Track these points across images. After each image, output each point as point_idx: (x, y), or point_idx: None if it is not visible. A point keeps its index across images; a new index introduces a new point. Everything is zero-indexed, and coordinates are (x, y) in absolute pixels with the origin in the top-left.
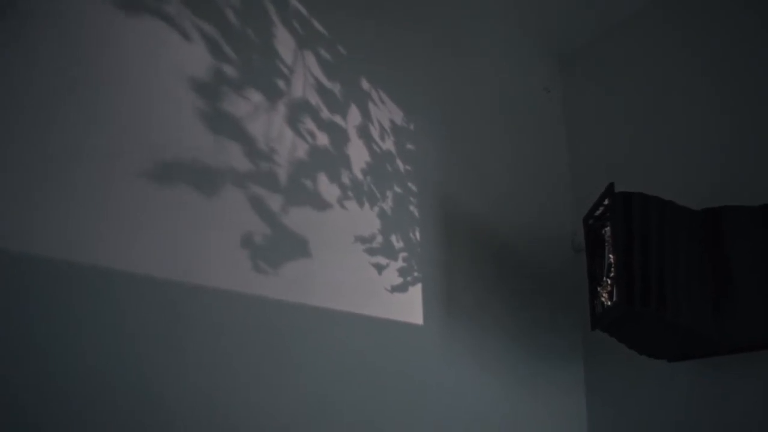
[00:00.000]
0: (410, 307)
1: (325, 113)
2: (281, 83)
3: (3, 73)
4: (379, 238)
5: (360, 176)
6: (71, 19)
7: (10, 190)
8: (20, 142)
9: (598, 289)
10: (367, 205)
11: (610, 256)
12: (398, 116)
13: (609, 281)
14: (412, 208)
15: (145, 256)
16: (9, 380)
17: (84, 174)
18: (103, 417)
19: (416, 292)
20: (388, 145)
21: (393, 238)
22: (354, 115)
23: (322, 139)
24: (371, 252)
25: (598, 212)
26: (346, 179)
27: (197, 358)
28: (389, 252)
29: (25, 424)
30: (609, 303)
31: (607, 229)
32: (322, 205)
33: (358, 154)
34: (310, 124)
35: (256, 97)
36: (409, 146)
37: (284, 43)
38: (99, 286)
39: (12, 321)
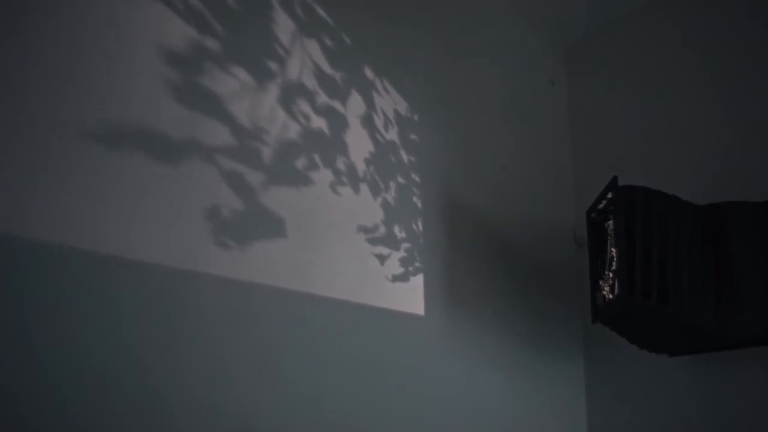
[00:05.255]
0: (412, 297)
1: (323, 98)
2: (274, 65)
3: None
4: (382, 228)
5: (362, 165)
6: None
7: None
8: None
9: (600, 282)
10: (369, 195)
11: (612, 249)
12: (402, 107)
13: (611, 275)
14: (415, 198)
15: (134, 241)
16: None
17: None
18: (91, 406)
19: (418, 282)
20: (392, 135)
21: (395, 229)
22: (357, 104)
23: (318, 122)
24: (373, 241)
25: (601, 205)
26: (342, 165)
27: (187, 348)
28: (391, 242)
29: (18, 415)
30: (610, 296)
31: (610, 222)
32: (320, 193)
33: (361, 144)
34: (305, 107)
35: (244, 75)
36: (413, 137)
37: (283, 27)
38: (76, 267)
39: None
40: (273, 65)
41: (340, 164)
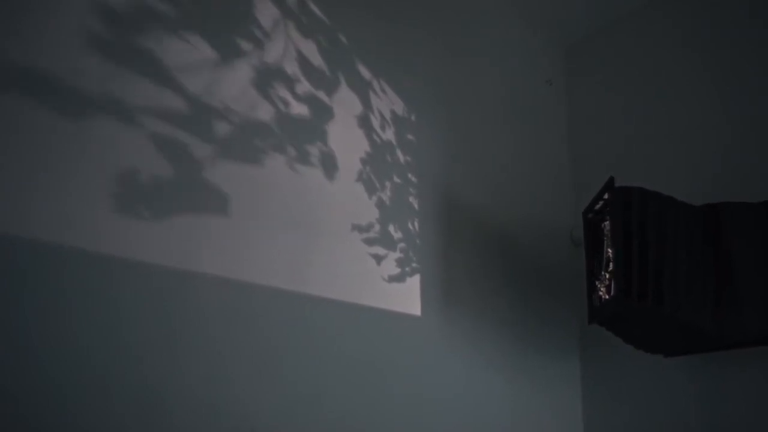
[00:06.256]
0: (409, 298)
1: (322, 98)
2: (272, 64)
3: None
4: (379, 229)
5: (359, 165)
6: None
7: None
8: None
9: (596, 283)
10: (366, 195)
11: (609, 250)
12: (400, 107)
13: (607, 275)
14: (411, 199)
15: (134, 241)
16: None
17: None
18: (90, 407)
19: (415, 283)
20: (389, 135)
21: (392, 229)
22: (353, 104)
23: (316, 122)
24: (369, 242)
25: (597, 206)
26: (339, 165)
27: (187, 348)
28: (388, 242)
29: (17, 415)
30: (607, 297)
31: (607, 223)
32: (318, 194)
33: (357, 143)
34: (302, 105)
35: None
36: (410, 137)
37: (278, 23)
38: (76, 267)
39: None
40: (271, 64)
41: (338, 164)
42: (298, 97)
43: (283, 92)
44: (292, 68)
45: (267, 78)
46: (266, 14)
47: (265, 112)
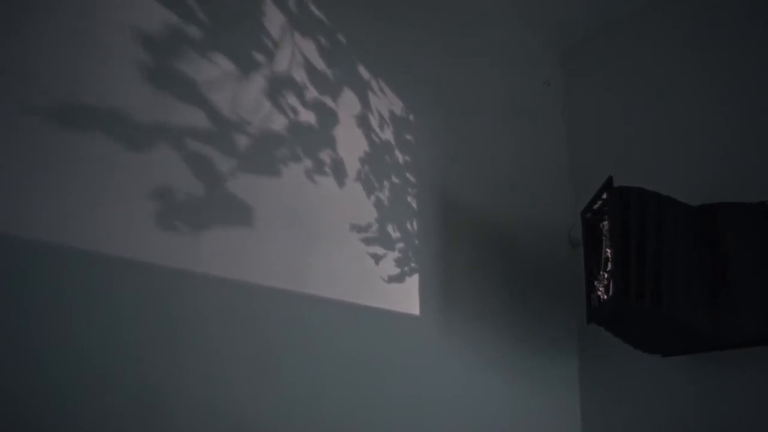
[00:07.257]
0: (407, 298)
1: (320, 98)
2: (261, 57)
3: None
4: (377, 229)
5: (357, 165)
6: None
7: None
8: None
9: (595, 283)
10: (364, 195)
11: (607, 250)
12: (398, 107)
13: (605, 275)
14: (410, 198)
15: (134, 242)
16: None
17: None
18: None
19: (413, 282)
20: (388, 135)
21: (390, 229)
22: (352, 104)
23: (315, 123)
24: (368, 242)
25: (596, 206)
26: (337, 166)
27: (187, 348)
28: (386, 242)
29: (17, 415)
30: (605, 297)
31: (605, 223)
32: (317, 195)
33: (356, 143)
34: (300, 106)
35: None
36: (408, 137)
37: (275, 23)
38: (76, 267)
39: None
40: (267, 63)
41: (336, 165)
42: (302, 101)
43: (290, 97)
44: (299, 74)
45: (277, 86)
46: (274, 22)
47: (264, 116)
